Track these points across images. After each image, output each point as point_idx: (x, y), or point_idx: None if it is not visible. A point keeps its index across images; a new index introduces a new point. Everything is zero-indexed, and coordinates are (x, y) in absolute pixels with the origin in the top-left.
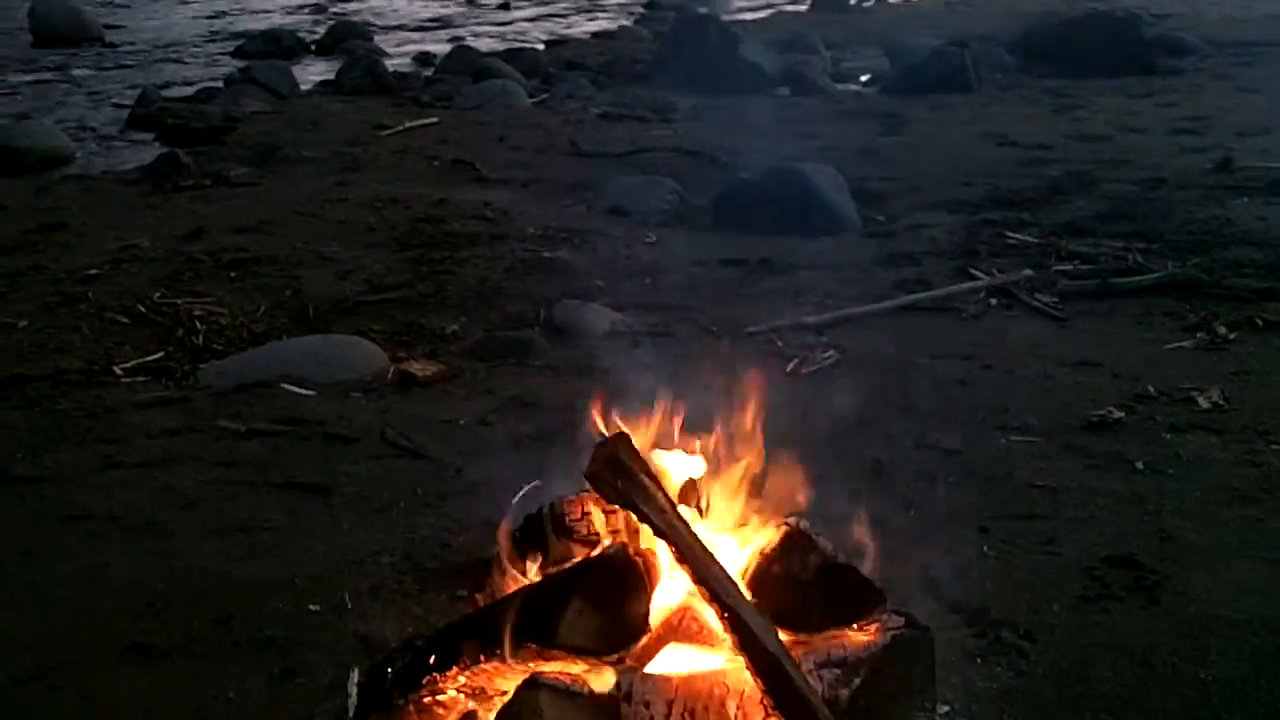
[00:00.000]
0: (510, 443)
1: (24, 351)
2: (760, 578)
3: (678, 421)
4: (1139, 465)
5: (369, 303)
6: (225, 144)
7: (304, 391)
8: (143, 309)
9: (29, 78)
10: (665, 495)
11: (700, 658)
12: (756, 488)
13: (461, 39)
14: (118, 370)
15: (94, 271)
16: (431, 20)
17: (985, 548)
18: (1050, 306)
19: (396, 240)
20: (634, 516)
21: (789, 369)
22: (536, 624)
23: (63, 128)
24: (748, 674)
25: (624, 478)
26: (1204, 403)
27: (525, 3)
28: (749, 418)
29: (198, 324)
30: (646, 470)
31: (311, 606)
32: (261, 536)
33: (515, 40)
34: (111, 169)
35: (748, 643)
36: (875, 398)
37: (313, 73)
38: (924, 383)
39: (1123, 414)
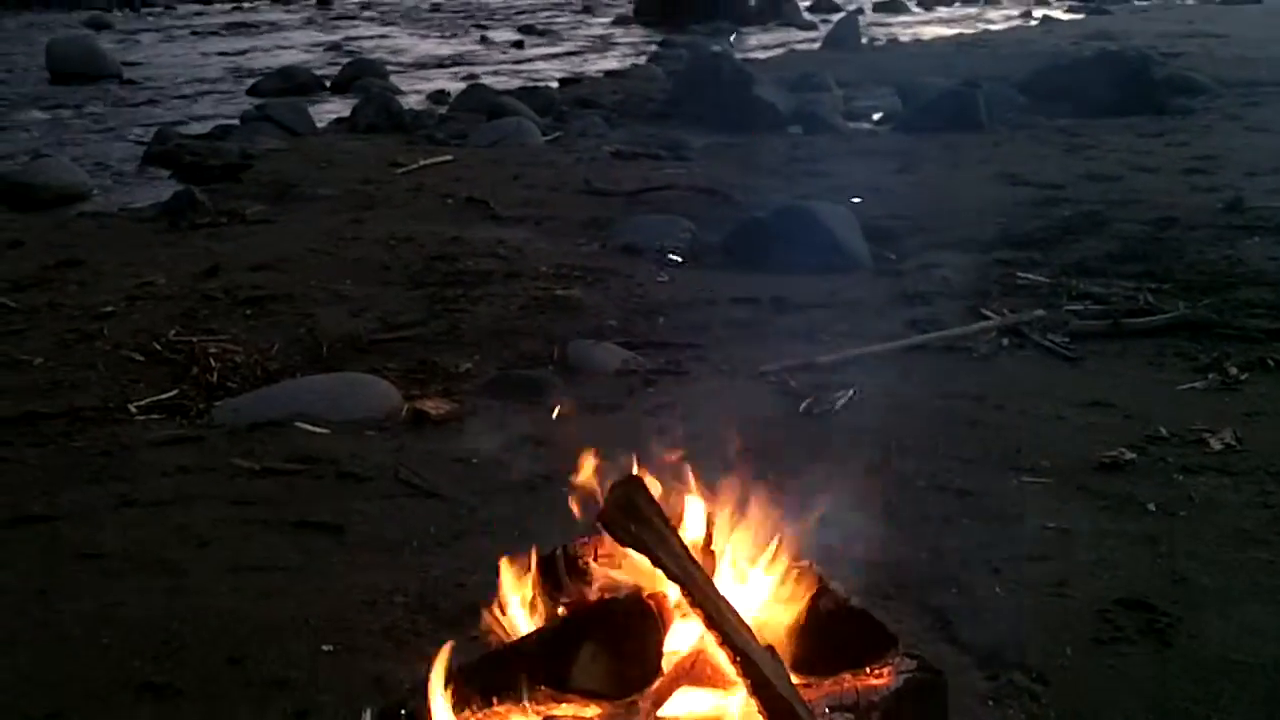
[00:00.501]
0: (523, 482)
1: (40, 389)
2: (773, 621)
3: (690, 466)
4: (1151, 507)
5: (383, 340)
6: (241, 181)
7: (318, 430)
8: (158, 346)
9: (46, 115)
10: (678, 539)
11: (713, 701)
12: (767, 530)
13: (476, 77)
14: (133, 408)
15: (110, 309)
16: (446, 58)
17: (998, 589)
18: (1062, 347)
19: (410, 278)
20: (648, 560)
21: (801, 409)
22: (550, 666)
23: (80, 164)
24: (761, 718)
25: (637, 521)
26: (1216, 444)
27: (540, 41)
28: (762, 461)
29: (212, 361)
30: (660, 514)
31: (325, 646)
32: (275, 576)
33: (529, 79)
34: (128, 206)
35: (761, 686)
36: (888, 438)
37: (328, 110)
38: (936, 423)
39: (1134, 455)
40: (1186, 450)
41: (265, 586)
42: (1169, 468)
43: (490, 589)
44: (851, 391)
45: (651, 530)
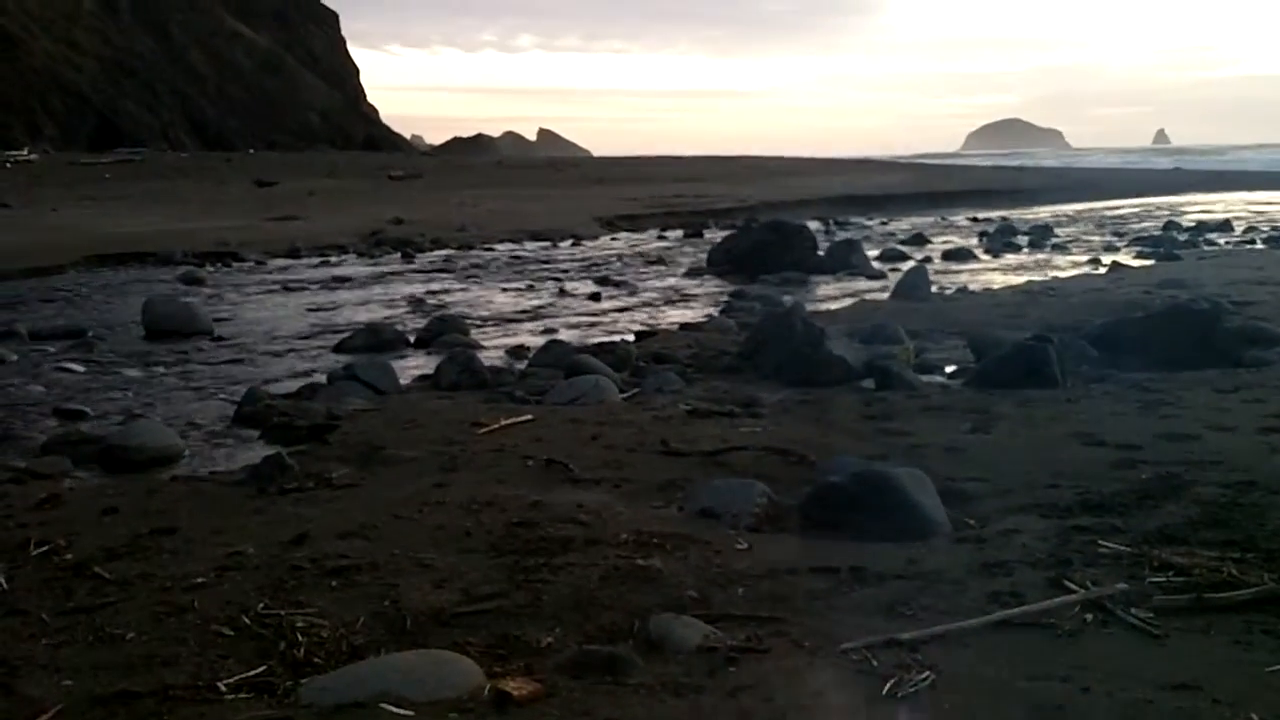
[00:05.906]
0: None
1: (133, 665)
2: None
3: None
4: None
5: (465, 614)
6: (328, 443)
7: (402, 712)
8: (247, 620)
9: (140, 373)
10: None
11: None
12: None
13: (554, 331)
14: (222, 686)
15: (201, 579)
16: (525, 312)
17: None
18: (1146, 623)
19: (492, 545)
20: None
21: (885, 691)
22: None
23: (172, 425)
24: None
25: None
26: None
27: (615, 293)
28: None
29: (300, 637)
30: None
31: None
32: None
33: (606, 331)
34: (218, 469)
35: None
36: None
37: (412, 367)
38: (1021, 708)
39: None
40: None
41: None
42: None
43: None
44: (934, 672)
45: None
